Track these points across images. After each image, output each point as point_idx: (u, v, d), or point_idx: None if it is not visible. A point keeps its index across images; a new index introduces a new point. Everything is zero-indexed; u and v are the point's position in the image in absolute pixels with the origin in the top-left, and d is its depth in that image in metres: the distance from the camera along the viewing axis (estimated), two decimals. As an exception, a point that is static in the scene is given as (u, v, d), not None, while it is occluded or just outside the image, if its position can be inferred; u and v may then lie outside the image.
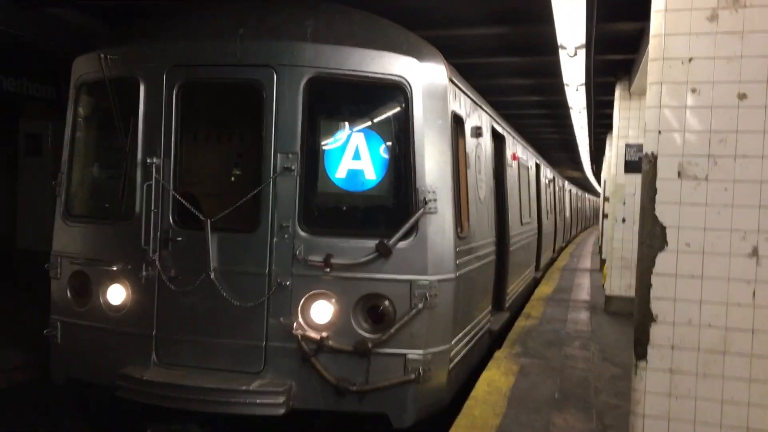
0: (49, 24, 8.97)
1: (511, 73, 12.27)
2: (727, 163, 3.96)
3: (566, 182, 30.65)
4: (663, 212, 4.08)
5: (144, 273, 5.63)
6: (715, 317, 4.01)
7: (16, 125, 14.19)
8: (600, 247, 22.34)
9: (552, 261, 20.72)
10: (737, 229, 3.95)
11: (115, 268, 5.79)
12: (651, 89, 4.14)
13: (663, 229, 4.08)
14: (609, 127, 18.28)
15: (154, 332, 5.65)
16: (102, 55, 5.80)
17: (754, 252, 3.92)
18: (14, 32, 8.72)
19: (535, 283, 14.92)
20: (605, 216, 18.77)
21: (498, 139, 9.40)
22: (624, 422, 5.53)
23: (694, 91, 4.02)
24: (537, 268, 15.39)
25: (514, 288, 10.84)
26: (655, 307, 4.11)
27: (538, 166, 15.91)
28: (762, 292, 3.92)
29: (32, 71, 12.42)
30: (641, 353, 4.17)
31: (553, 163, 30.45)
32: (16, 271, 13.29)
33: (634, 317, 4.28)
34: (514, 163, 10.95)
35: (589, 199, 58.58)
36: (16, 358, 7.25)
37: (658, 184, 4.08)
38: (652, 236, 4.10)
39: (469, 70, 9.37)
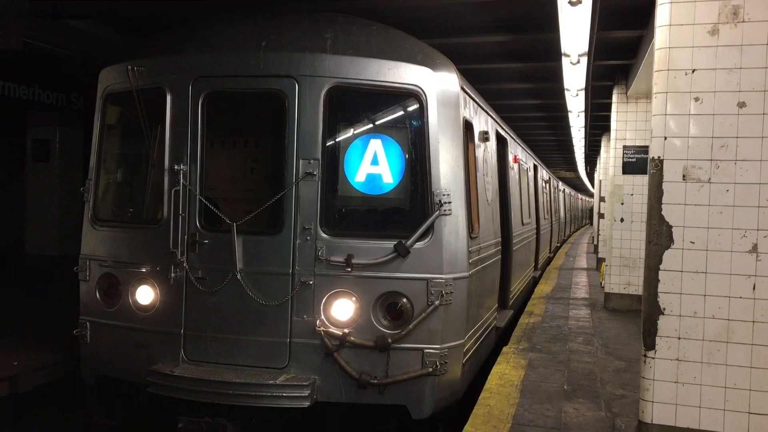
0: (65, 34, 9.20)
1: (513, 78, 12.58)
2: (728, 167, 4.28)
3: (560, 182, 31.03)
4: (669, 212, 4.40)
5: (172, 274, 5.88)
6: (719, 309, 4.33)
7: (23, 131, 14.38)
8: (595, 246, 22.71)
9: (549, 260, 21.04)
10: (738, 227, 4.27)
11: (144, 270, 6.05)
12: (657, 98, 4.46)
13: (669, 228, 4.40)
14: (604, 129, 18.65)
15: (182, 330, 5.90)
16: (130, 67, 6.06)
17: (754, 249, 4.24)
18: (31, 42, 8.94)
19: (534, 282, 15.23)
20: (601, 216, 19.13)
21: (501, 143, 9.70)
22: (631, 410, 5.86)
23: (696, 100, 4.35)
24: (536, 267, 15.70)
25: (517, 286, 11.15)
26: (663, 300, 4.42)
27: (536, 168, 16.23)
28: (761, 285, 4.25)
29: (43, 78, 12.65)
30: (650, 344, 4.47)
31: (547, 164, 30.82)
32: (25, 276, 13.48)
33: (642, 310, 4.59)
34: (515, 166, 11.26)
35: (581, 199, 59.00)
36: (38, 359, 7.47)
37: (665, 186, 4.40)
38: (660, 235, 4.42)
39: (473, 75, 9.68)
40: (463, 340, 6.01)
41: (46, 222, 14.44)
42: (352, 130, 5.99)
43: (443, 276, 5.68)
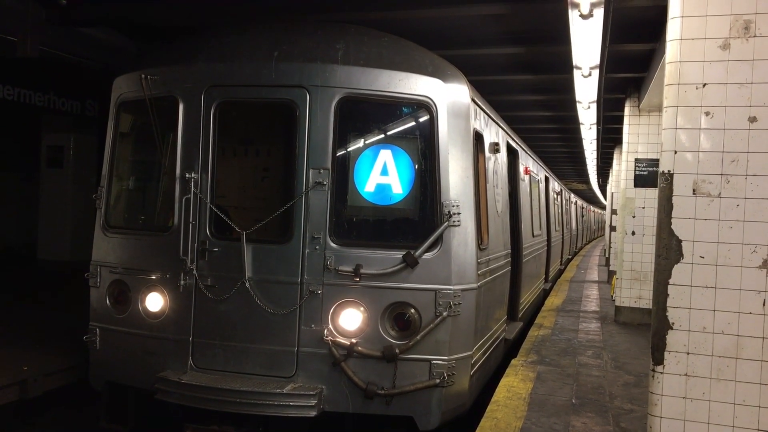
0: (81, 42, 9.31)
1: (524, 90, 12.59)
2: (739, 182, 4.25)
3: (572, 195, 30.92)
4: (679, 227, 4.37)
5: (182, 282, 5.92)
6: (728, 325, 4.29)
7: (38, 137, 14.55)
8: (607, 259, 22.59)
9: (560, 273, 20.95)
10: (748, 243, 4.23)
11: (153, 277, 6.09)
12: (667, 112, 4.44)
13: (679, 242, 4.37)
14: (616, 141, 18.58)
15: (191, 338, 5.93)
16: (143, 76, 6.12)
17: (765, 264, 4.20)
18: (47, 49, 9.05)
19: (545, 294, 15.17)
20: (613, 228, 19.03)
21: (512, 154, 9.70)
22: (639, 425, 5.81)
23: (707, 114, 4.33)
24: (546, 279, 15.64)
25: (527, 299, 11.10)
26: (672, 315, 4.39)
27: (547, 179, 16.18)
28: (772, 301, 4.20)
29: (58, 86, 12.79)
30: (659, 358, 4.43)
31: (559, 176, 30.73)
32: (37, 280, 13.58)
33: (651, 325, 4.55)
34: (526, 177, 11.24)
35: (594, 212, 58.71)
36: (49, 364, 7.51)
37: (675, 200, 4.37)
38: (669, 249, 4.39)
39: (484, 86, 9.68)
40: (471, 352, 5.99)
41: (59, 227, 14.59)
42: (362, 140, 6.02)
43: (452, 287, 5.68)
